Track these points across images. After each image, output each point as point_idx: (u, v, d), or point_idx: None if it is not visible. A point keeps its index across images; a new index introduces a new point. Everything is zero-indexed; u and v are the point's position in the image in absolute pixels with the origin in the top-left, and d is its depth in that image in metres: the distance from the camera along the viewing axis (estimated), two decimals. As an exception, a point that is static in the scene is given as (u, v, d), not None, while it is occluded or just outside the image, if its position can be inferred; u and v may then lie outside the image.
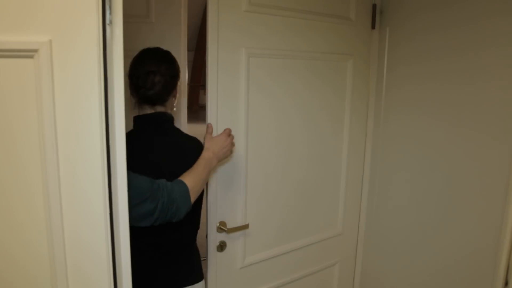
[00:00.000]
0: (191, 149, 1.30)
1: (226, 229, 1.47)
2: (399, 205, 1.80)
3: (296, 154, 1.66)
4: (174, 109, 1.38)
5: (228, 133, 1.34)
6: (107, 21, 0.75)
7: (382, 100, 1.83)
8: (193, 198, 1.17)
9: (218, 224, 1.48)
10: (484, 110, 1.45)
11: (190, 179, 1.18)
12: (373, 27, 1.80)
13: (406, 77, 1.72)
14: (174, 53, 1.33)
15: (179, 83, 1.35)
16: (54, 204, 0.78)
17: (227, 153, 1.34)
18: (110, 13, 0.76)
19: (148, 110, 1.29)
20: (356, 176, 1.90)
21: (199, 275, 1.41)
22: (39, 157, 0.76)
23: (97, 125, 0.77)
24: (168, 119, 1.31)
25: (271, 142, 1.57)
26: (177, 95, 1.37)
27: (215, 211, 1.46)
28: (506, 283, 1.40)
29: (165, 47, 1.37)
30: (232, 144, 1.36)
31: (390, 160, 1.82)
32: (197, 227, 1.47)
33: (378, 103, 1.85)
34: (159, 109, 1.30)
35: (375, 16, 1.79)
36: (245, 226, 1.53)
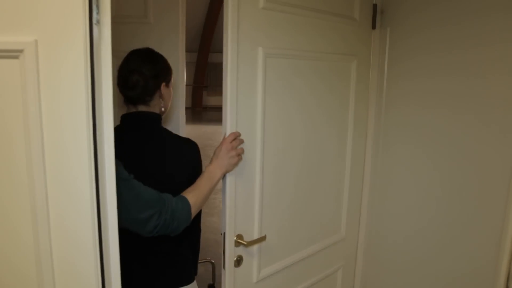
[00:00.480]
0: (174, 149, 1.30)
1: (245, 243, 1.36)
2: (399, 206, 1.78)
3: (305, 159, 1.60)
4: (162, 109, 1.35)
5: (229, 140, 1.27)
6: (94, 21, 0.74)
7: (382, 102, 1.80)
8: (194, 214, 1.18)
9: (235, 238, 1.37)
10: (487, 105, 1.45)
11: (193, 195, 1.18)
12: (373, 27, 1.78)
13: (407, 75, 1.70)
14: (172, 54, 1.30)
15: (165, 84, 1.33)
16: (40, 195, 0.77)
17: (233, 160, 1.26)
18: (98, 13, 0.75)
19: (132, 109, 1.31)
20: (357, 177, 1.87)
21: (189, 278, 1.40)
22: (24, 154, 0.75)
23: (84, 124, 0.76)
24: (151, 119, 1.31)
25: (283, 148, 1.50)
26: (167, 96, 1.35)
27: (233, 224, 1.36)
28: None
29: (163, 48, 1.34)
30: (235, 149, 1.27)
31: (391, 156, 1.80)
32: (198, 229, 1.45)
33: (378, 106, 1.82)
34: (142, 108, 1.30)
35: (375, 16, 1.77)
36: (263, 238, 1.42)
